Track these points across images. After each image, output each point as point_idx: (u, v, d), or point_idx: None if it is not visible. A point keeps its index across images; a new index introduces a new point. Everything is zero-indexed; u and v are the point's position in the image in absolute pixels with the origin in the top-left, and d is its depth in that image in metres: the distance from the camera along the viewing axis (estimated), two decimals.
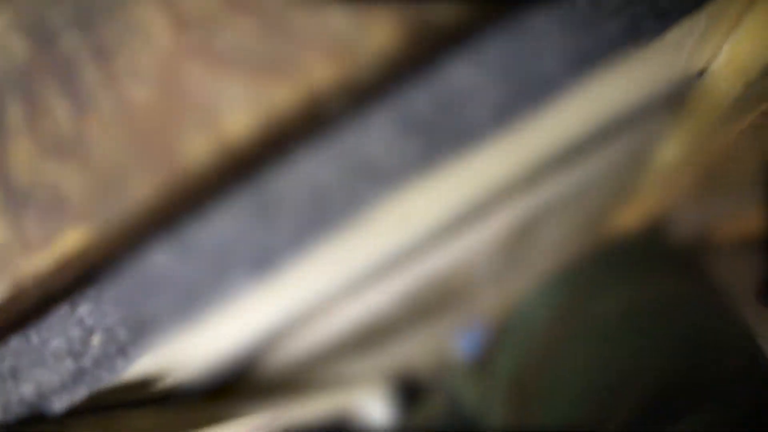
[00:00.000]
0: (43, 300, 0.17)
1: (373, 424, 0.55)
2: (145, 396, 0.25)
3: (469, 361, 0.49)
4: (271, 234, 0.17)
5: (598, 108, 0.24)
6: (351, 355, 0.40)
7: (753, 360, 0.39)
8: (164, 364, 0.23)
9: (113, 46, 0.14)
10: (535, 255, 0.44)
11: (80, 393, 0.19)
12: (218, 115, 0.13)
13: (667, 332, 0.40)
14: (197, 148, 0.13)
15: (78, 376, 0.18)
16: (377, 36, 0.13)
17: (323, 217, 0.17)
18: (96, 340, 0.18)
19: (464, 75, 0.17)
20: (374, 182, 0.17)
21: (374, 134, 0.16)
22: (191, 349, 0.23)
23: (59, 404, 0.19)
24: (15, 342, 0.18)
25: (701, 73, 0.27)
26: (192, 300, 0.18)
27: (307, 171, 0.16)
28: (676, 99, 0.28)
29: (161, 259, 0.17)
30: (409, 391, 0.55)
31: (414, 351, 0.48)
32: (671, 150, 0.33)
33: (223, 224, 0.17)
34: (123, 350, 0.18)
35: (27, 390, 0.18)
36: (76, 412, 0.21)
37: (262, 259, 0.17)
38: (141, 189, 0.14)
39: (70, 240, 0.14)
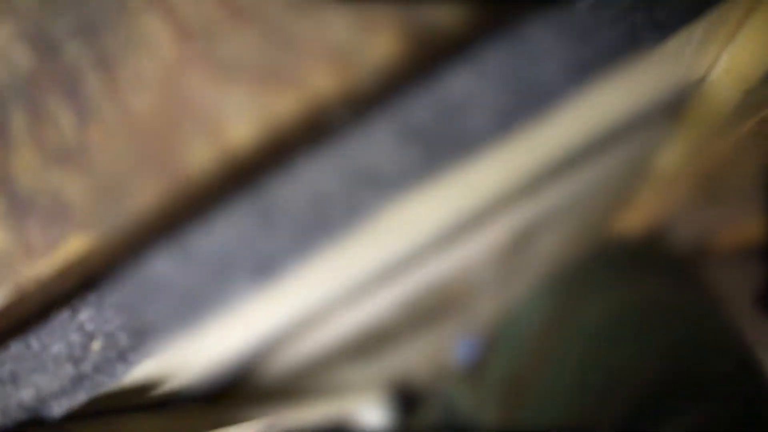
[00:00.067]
0: (44, 305, 0.17)
1: (371, 430, 0.55)
2: (144, 401, 0.25)
3: (464, 367, 0.49)
4: (271, 241, 0.17)
5: (597, 117, 0.24)
6: (349, 362, 0.41)
7: (741, 362, 0.39)
8: (164, 369, 0.23)
9: (116, 56, 0.14)
10: (534, 263, 0.44)
11: (80, 398, 0.19)
12: (220, 123, 0.13)
13: (657, 335, 0.41)
14: (199, 156, 0.13)
15: (78, 381, 0.18)
16: (379, 45, 0.14)
17: (324, 224, 0.17)
18: (96, 345, 0.18)
19: (464, 84, 0.17)
20: (375, 190, 0.17)
21: (375, 142, 0.16)
22: (191, 355, 0.23)
23: (58, 409, 0.19)
24: (15, 347, 0.18)
25: (700, 81, 0.27)
26: (192, 307, 0.18)
27: (308, 179, 0.16)
28: (675, 107, 0.28)
29: (162, 266, 0.17)
30: (407, 398, 0.55)
31: (412, 358, 0.48)
32: (670, 157, 0.33)
33: (224, 231, 0.17)
34: (123, 356, 0.18)
35: (26, 395, 0.18)
36: (75, 417, 0.21)
37: (263, 267, 0.17)
38: (143, 196, 0.14)
39: (73, 246, 0.14)
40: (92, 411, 0.22)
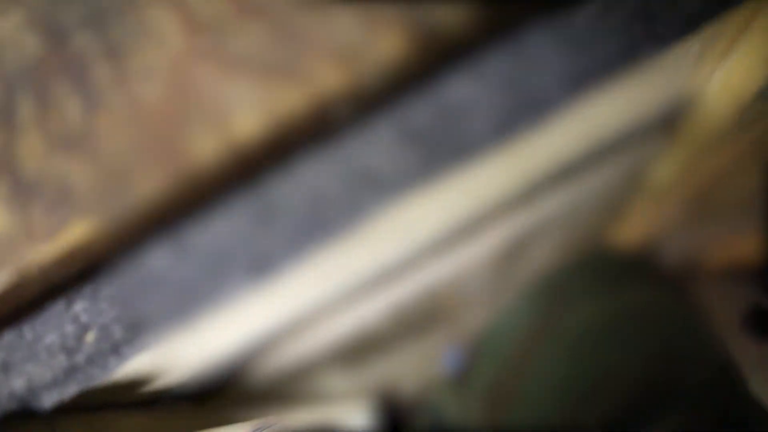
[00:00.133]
0: (41, 293, 0.17)
1: None
2: (134, 398, 0.25)
3: (450, 376, 0.50)
4: (269, 239, 0.17)
5: (593, 127, 0.24)
6: (337, 369, 0.40)
7: (722, 371, 0.40)
8: (154, 366, 0.23)
9: (125, 47, 0.14)
10: (525, 273, 0.44)
11: (71, 390, 0.19)
12: (227, 116, 0.14)
13: (640, 343, 0.41)
14: (205, 147, 0.14)
15: (70, 372, 0.18)
16: (384, 44, 0.14)
17: (322, 224, 0.17)
18: (90, 337, 0.18)
19: (464, 89, 0.17)
20: (373, 191, 0.17)
21: (375, 144, 0.16)
22: (182, 352, 0.23)
23: (49, 400, 0.19)
24: (9, 336, 0.18)
25: (696, 96, 0.27)
26: (188, 301, 0.18)
27: (308, 178, 0.16)
28: (671, 121, 0.28)
29: (159, 259, 0.17)
30: (393, 407, 0.55)
31: (400, 367, 0.47)
32: (664, 171, 0.34)
33: (222, 227, 0.17)
34: (117, 349, 0.18)
35: (18, 384, 0.18)
36: (64, 411, 0.21)
37: (260, 264, 0.17)
38: (147, 185, 0.14)
39: (76, 232, 0.14)
40: (82, 405, 0.22)
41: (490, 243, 0.32)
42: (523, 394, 0.43)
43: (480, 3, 0.15)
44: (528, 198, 0.28)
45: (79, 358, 0.18)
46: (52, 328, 0.18)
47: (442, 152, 0.17)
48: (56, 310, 0.18)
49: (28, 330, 0.18)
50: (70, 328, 0.18)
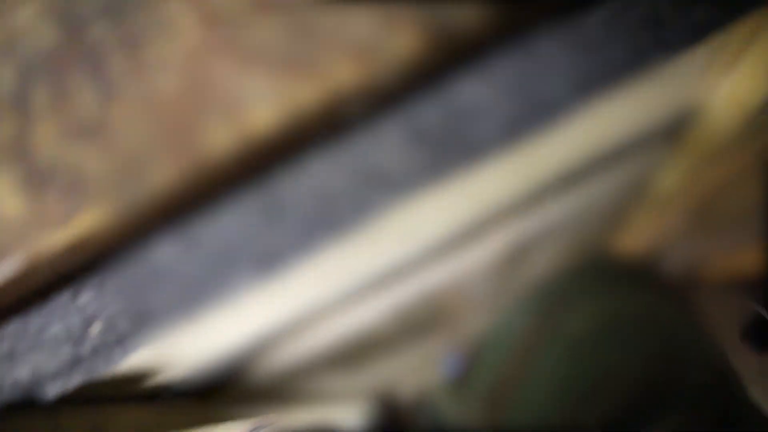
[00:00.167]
0: (47, 284, 0.17)
1: None
2: (134, 393, 0.25)
3: (450, 378, 0.50)
4: (277, 235, 0.17)
5: (599, 133, 0.24)
6: (337, 370, 0.41)
7: (721, 372, 0.40)
8: (157, 361, 0.23)
9: (141, 38, 0.14)
10: (526, 278, 0.44)
11: (75, 381, 0.19)
12: (242, 108, 0.14)
13: (638, 346, 0.42)
14: (219, 138, 0.14)
15: (74, 363, 0.18)
16: (400, 41, 0.14)
17: (329, 222, 0.17)
18: (95, 328, 0.18)
19: (474, 90, 0.17)
20: (381, 190, 0.17)
21: (385, 143, 0.17)
22: (185, 348, 0.23)
23: (52, 391, 0.19)
24: (15, 324, 0.18)
25: (701, 106, 0.27)
26: (194, 296, 0.18)
27: (317, 175, 0.17)
28: (675, 129, 0.29)
29: (167, 253, 0.17)
30: (393, 408, 0.55)
31: (400, 369, 0.48)
32: (667, 180, 0.34)
33: (231, 222, 0.17)
34: (121, 341, 0.18)
35: (22, 373, 0.18)
36: (66, 402, 0.21)
37: (267, 260, 0.18)
38: (161, 175, 0.14)
39: (87, 219, 0.14)
40: (84, 397, 0.22)
41: (493, 247, 0.32)
42: (523, 395, 0.43)
43: (495, 4, 0.15)
44: (532, 203, 0.28)
45: (84, 348, 0.18)
46: (58, 318, 0.18)
47: (451, 153, 0.17)
48: (62, 300, 0.18)
49: (34, 319, 0.18)
50: (75, 319, 0.18)
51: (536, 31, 0.18)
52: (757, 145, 0.29)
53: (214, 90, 0.14)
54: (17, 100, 0.15)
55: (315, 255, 0.18)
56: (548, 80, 0.18)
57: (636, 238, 0.46)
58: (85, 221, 0.14)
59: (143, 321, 0.18)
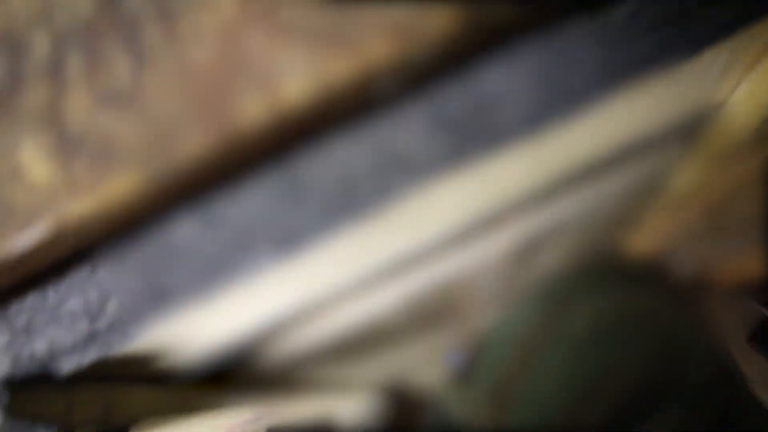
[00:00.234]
0: (66, 257, 0.17)
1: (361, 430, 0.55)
2: (145, 373, 0.26)
3: (455, 375, 0.50)
4: (297, 215, 0.17)
5: (618, 128, 0.24)
6: (347, 360, 0.41)
7: (722, 371, 0.40)
8: (169, 342, 0.23)
9: (177, 9, 0.14)
10: (534, 274, 0.44)
11: (90, 356, 0.19)
12: (275, 80, 0.14)
13: (642, 344, 0.42)
14: (250, 109, 0.14)
15: (90, 338, 0.18)
16: (435, 22, 0.14)
17: (351, 203, 0.17)
18: (113, 304, 0.18)
19: (499, 78, 0.17)
20: (403, 174, 0.17)
21: (409, 127, 0.17)
22: (197, 329, 0.23)
23: (67, 366, 0.19)
24: (33, 298, 0.18)
25: (720, 106, 0.27)
26: (212, 275, 0.18)
27: (340, 156, 0.17)
28: (692, 128, 0.29)
29: (186, 231, 0.17)
30: (399, 401, 0.55)
31: (408, 361, 0.48)
32: (682, 180, 0.34)
33: (252, 201, 0.17)
34: (138, 318, 0.18)
35: (39, 347, 0.18)
36: (79, 379, 0.21)
37: (286, 240, 0.18)
38: (192, 144, 0.14)
39: (117, 186, 0.14)
40: (97, 375, 0.22)
41: (504, 241, 0.32)
42: (525, 393, 0.43)
43: None
44: (547, 198, 0.28)
45: (101, 324, 0.18)
46: (76, 293, 0.18)
47: (473, 139, 0.17)
48: (81, 275, 0.18)
49: (53, 293, 0.18)
50: (93, 294, 0.18)
51: (563, 23, 0.18)
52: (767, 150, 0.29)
53: (248, 63, 0.14)
54: (52, 68, 0.15)
55: (334, 238, 0.18)
56: (573, 72, 0.18)
57: (646, 238, 0.46)
58: (111, 189, 0.14)
59: (160, 298, 0.18)
